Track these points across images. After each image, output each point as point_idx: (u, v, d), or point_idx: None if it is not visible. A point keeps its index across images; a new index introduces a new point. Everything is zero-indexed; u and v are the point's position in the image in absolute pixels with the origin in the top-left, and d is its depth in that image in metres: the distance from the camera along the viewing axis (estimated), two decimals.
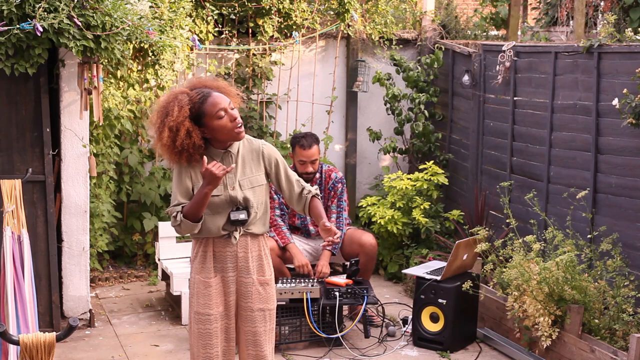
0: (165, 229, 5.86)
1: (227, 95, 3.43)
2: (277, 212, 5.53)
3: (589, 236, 5.15)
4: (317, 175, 5.58)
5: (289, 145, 7.00)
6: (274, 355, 3.61)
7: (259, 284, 3.51)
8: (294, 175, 3.60)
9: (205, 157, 3.29)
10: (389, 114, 7.18)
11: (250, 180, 3.47)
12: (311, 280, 5.17)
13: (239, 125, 3.37)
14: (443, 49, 7.03)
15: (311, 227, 5.66)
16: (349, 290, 5.16)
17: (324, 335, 5.06)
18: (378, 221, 6.47)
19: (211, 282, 3.46)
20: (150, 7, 5.42)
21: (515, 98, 6.08)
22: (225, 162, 3.43)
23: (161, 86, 6.31)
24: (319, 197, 3.62)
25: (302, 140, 5.47)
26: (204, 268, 3.48)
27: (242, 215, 3.42)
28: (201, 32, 6.60)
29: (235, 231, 3.45)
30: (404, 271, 5.70)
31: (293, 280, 5.14)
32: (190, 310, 3.54)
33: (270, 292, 3.55)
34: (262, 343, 3.52)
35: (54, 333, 2.90)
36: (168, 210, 3.46)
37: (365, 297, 5.13)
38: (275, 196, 5.51)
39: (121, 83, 6.11)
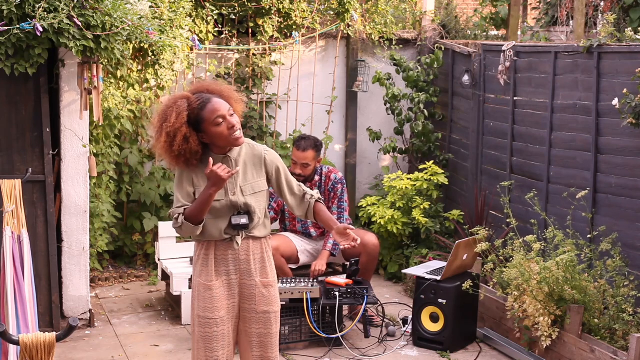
0: (165, 229, 5.85)
1: (228, 101, 3.42)
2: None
3: (589, 236, 5.16)
4: (317, 177, 5.58)
5: (289, 146, 7.01)
6: (279, 358, 3.61)
7: (262, 286, 3.50)
8: (294, 181, 3.60)
9: (211, 159, 3.30)
10: (389, 114, 7.18)
11: (252, 186, 3.47)
12: (311, 280, 5.17)
13: (236, 132, 3.37)
14: (443, 49, 7.03)
15: (312, 230, 5.66)
16: (349, 290, 5.16)
17: (324, 335, 5.06)
18: (378, 221, 6.47)
19: (212, 285, 3.46)
20: (150, 7, 5.42)
21: (515, 98, 6.08)
22: None
23: (161, 86, 6.31)
24: (322, 202, 3.61)
25: (300, 141, 5.49)
26: (205, 271, 3.47)
27: (244, 220, 3.41)
28: (201, 32, 6.60)
29: (238, 236, 3.44)
30: (404, 271, 5.70)
31: (293, 280, 5.14)
32: (192, 313, 3.54)
33: (273, 294, 3.53)
34: (268, 345, 3.52)
35: (54, 333, 2.90)
36: (171, 212, 3.47)
37: (365, 297, 5.13)
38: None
39: (121, 83, 6.11)
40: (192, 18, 6.49)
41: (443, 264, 5.43)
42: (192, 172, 3.42)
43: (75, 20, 4.65)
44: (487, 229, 5.40)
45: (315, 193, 3.61)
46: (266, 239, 3.55)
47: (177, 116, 3.31)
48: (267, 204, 3.55)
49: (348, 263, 5.59)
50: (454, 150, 7.02)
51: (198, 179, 3.42)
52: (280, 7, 6.80)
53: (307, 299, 5.04)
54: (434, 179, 6.55)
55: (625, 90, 4.79)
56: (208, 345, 3.45)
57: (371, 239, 5.51)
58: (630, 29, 5.50)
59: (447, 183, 6.62)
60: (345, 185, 5.63)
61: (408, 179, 6.54)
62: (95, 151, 5.88)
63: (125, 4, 4.98)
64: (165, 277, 5.92)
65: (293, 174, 5.38)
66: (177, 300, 5.70)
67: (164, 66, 5.80)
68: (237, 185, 3.44)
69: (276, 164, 3.53)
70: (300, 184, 3.62)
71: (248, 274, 3.48)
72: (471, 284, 5.00)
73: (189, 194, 3.43)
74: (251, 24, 6.91)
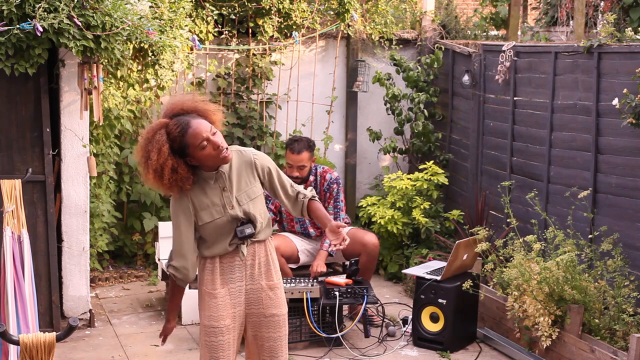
0: (165, 229, 5.85)
1: (206, 115, 3.37)
2: None
3: (589, 236, 5.15)
4: (312, 177, 5.58)
5: None
6: None
7: (269, 289, 3.48)
8: (287, 181, 3.56)
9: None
10: (389, 114, 7.18)
11: (248, 193, 3.43)
12: (311, 280, 5.17)
13: (223, 150, 3.33)
14: (443, 49, 7.03)
15: (311, 230, 5.66)
16: (349, 290, 5.16)
17: (324, 335, 5.06)
18: (378, 221, 6.47)
19: (217, 293, 3.43)
20: (150, 7, 5.42)
21: (515, 98, 6.08)
22: (218, 182, 3.39)
23: (161, 86, 6.32)
24: (317, 200, 3.58)
25: (294, 144, 5.45)
26: (209, 280, 3.45)
27: (249, 230, 3.40)
28: (201, 32, 6.60)
29: (243, 244, 3.43)
30: (404, 271, 5.70)
31: (293, 280, 5.14)
32: (200, 322, 3.52)
33: (280, 296, 3.51)
34: (278, 349, 3.49)
35: (54, 333, 2.90)
36: (169, 259, 3.46)
37: (365, 296, 5.13)
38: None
39: (121, 83, 6.11)
40: (192, 18, 6.49)
41: (443, 264, 5.43)
42: (188, 195, 3.38)
43: (75, 20, 4.65)
44: (487, 229, 5.40)
45: (309, 192, 3.57)
46: (269, 239, 3.53)
47: (159, 152, 3.27)
48: (265, 205, 3.53)
49: (348, 263, 5.59)
50: (454, 150, 7.02)
51: (197, 199, 3.38)
52: (280, 7, 6.80)
53: (307, 299, 5.03)
54: (434, 179, 6.55)
55: (625, 90, 4.79)
56: (213, 355, 3.43)
57: (371, 238, 5.51)
58: (630, 29, 5.49)
59: (447, 183, 6.62)
60: (340, 185, 5.62)
61: (408, 179, 6.54)
62: (95, 151, 5.88)
63: (125, 4, 4.98)
64: (165, 277, 5.91)
65: (291, 177, 5.38)
66: None
67: (164, 66, 5.81)
68: (232, 197, 3.40)
69: (267, 166, 3.49)
70: (293, 183, 3.58)
71: (253, 278, 3.46)
72: (471, 284, 5.00)
73: (187, 227, 3.39)
74: (251, 24, 6.91)
